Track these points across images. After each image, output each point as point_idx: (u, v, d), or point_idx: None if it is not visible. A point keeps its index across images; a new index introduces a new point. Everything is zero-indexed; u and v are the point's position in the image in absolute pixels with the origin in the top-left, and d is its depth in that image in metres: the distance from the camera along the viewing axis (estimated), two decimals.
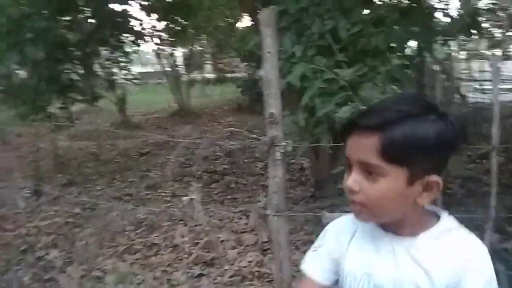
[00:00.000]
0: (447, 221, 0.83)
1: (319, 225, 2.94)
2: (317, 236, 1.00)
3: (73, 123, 7.03)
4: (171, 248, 3.40)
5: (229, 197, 4.51)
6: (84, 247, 3.52)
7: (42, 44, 4.98)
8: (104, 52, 6.82)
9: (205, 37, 10.63)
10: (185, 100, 9.95)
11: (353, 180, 0.78)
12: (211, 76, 11.92)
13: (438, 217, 0.84)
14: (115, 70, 7.36)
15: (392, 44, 2.99)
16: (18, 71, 5.75)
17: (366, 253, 0.86)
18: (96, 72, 6.75)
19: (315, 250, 0.96)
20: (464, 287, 0.78)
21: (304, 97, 2.34)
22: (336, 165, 2.78)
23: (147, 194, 4.78)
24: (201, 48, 11.46)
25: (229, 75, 11.70)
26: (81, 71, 6.07)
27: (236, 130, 6.70)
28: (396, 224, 0.83)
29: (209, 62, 13.15)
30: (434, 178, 0.77)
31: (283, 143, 1.75)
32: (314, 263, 0.95)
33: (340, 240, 0.92)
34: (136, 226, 3.88)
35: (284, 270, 1.98)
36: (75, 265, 3.23)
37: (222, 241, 3.41)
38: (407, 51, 3.34)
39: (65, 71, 5.83)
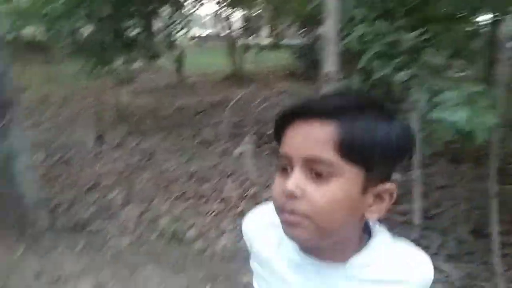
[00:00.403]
0: (380, 236, 0.69)
1: None
2: None
3: (134, 80, 7.39)
4: (220, 200, 3.60)
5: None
6: (141, 191, 3.82)
7: (108, 0, 5.21)
8: (165, 12, 7.00)
9: (263, 1, 10.53)
10: (240, 64, 10.05)
11: (294, 182, 0.60)
12: (267, 41, 11.86)
13: (368, 230, 0.70)
14: (174, 30, 7.55)
15: (461, 13, 2.85)
16: (84, 27, 6.07)
17: (278, 278, 0.72)
18: (156, 32, 6.97)
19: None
20: None
21: (362, 60, 2.33)
22: None
23: (200, 149, 5.01)
24: (259, 12, 11.39)
25: (285, 41, 11.58)
26: (142, 30, 6.29)
27: (288, 95, 6.72)
28: (327, 247, 0.66)
29: (266, 26, 13.07)
30: (388, 186, 0.63)
31: None
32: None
33: (254, 247, 0.78)
34: (188, 177, 4.12)
35: None
36: (133, 205, 3.53)
37: (267, 198, 3.56)
38: (478, 21, 3.17)
39: (128, 28, 6.09)
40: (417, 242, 2.78)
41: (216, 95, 7.72)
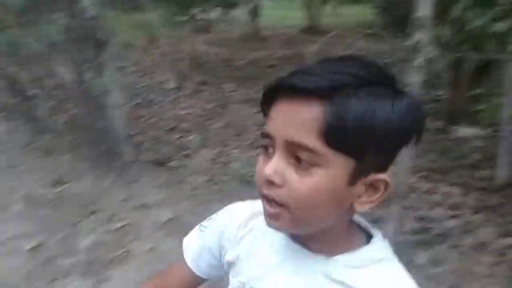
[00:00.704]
0: (379, 247, 0.61)
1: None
2: None
3: (209, 30, 7.54)
4: None
5: None
6: (216, 136, 4.02)
7: None
8: None
9: None
10: (316, 18, 9.76)
11: (274, 168, 0.53)
12: None
13: (367, 237, 0.62)
14: None
15: None
16: None
17: (259, 263, 0.66)
18: None
19: (202, 230, 0.76)
20: None
21: (456, 8, 2.18)
22: (475, 100, 2.60)
23: None
24: None
25: None
26: None
27: (366, 52, 6.46)
28: (311, 238, 0.60)
29: None
30: (382, 176, 0.55)
31: (427, 49, 1.72)
32: (194, 245, 0.76)
33: (232, 232, 0.71)
34: (259, 127, 4.23)
35: None
36: (208, 148, 3.75)
37: None
38: None
39: None
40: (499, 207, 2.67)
41: (289, 49, 7.64)
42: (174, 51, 6.75)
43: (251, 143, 3.87)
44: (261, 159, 0.57)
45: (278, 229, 0.58)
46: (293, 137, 0.51)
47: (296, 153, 0.52)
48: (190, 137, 4.00)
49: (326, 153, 0.51)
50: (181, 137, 3.97)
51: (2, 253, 2.46)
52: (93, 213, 2.85)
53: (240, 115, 4.53)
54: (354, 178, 0.53)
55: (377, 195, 0.55)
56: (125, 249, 2.47)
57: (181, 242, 0.77)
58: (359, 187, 0.54)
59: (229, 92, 5.39)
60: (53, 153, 3.69)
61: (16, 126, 4.14)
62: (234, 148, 3.77)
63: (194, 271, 0.75)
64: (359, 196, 0.55)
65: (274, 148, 0.54)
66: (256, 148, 3.76)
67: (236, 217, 0.71)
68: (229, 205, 0.75)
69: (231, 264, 0.70)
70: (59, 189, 3.17)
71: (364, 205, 0.56)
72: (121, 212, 2.84)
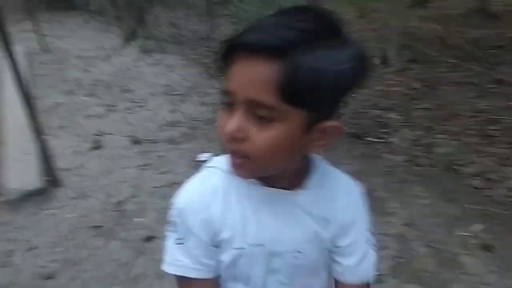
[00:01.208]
0: (323, 165, 0.75)
1: None
2: None
3: (426, 5, 6.93)
4: (508, 144, 3.18)
5: None
6: (419, 117, 3.78)
7: None
8: None
9: None
10: None
11: (237, 124, 0.58)
12: None
13: (308, 160, 0.72)
14: None
15: None
16: None
17: (252, 219, 0.69)
18: None
19: (180, 243, 0.71)
20: (356, 225, 0.75)
21: None
22: None
23: (491, 87, 4.43)
24: None
25: None
26: None
27: None
28: (277, 176, 0.67)
29: None
30: (334, 123, 0.61)
31: None
32: (191, 260, 0.70)
33: (210, 218, 0.69)
34: (472, 114, 3.77)
35: None
36: (409, 129, 3.56)
37: None
38: None
39: None
40: None
41: None
42: (384, 26, 6.51)
43: (461, 130, 3.50)
44: (224, 115, 0.61)
45: (243, 176, 0.66)
46: (252, 95, 0.56)
47: (255, 110, 0.56)
48: (392, 115, 3.87)
49: (283, 108, 0.55)
50: (382, 114, 3.88)
51: None
52: None
53: (451, 98, 4.11)
54: (308, 127, 0.59)
55: (329, 138, 0.62)
56: None
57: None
58: (313, 134, 0.60)
59: (441, 72, 4.93)
60: None
61: None
62: (440, 133, 3.48)
63: (211, 277, 0.73)
64: (314, 141, 0.62)
65: (235, 105, 0.58)
66: (467, 137, 3.39)
67: (199, 203, 0.70)
68: (178, 203, 0.71)
69: (225, 240, 0.70)
70: None
71: (318, 148, 0.64)
72: None
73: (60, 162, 3.14)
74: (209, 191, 0.70)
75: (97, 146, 3.55)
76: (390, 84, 4.62)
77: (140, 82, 5.22)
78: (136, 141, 3.63)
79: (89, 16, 9.37)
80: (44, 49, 6.47)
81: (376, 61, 5.29)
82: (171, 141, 3.67)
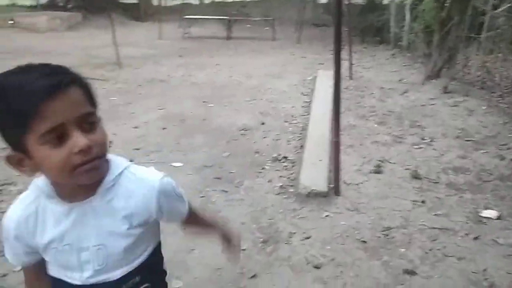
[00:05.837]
0: (118, 163, 0.92)
1: None
2: None
3: None
4: None
5: None
6: None
7: None
8: None
9: None
10: None
11: (84, 138, 0.77)
12: None
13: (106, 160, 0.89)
14: None
15: None
16: None
17: (61, 228, 0.89)
18: None
19: (7, 255, 0.98)
20: (162, 213, 0.95)
21: None
22: None
23: None
24: None
25: None
26: None
27: None
28: (73, 190, 0.86)
29: None
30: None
31: None
32: (17, 256, 0.97)
33: (27, 230, 0.91)
34: None
35: None
36: None
37: None
38: None
39: None
40: None
41: None
42: None
43: None
44: (57, 149, 0.77)
45: (100, 175, 0.87)
46: (82, 111, 0.79)
47: (85, 121, 0.79)
48: None
49: (95, 111, 0.84)
50: None
51: None
52: None
53: None
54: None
55: None
56: None
57: None
58: None
59: None
60: None
61: None
62: None
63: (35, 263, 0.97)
64: None
65: (64, 132, 0.76)
66: None
67: (19, 222, 0.91)
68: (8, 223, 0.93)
69: (45, 245, 0.91)
70: None
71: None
72: None
73: (344, 176, 3.51)
74: (26, 212, 0.91)
75: (378, 171, 3.77)
76: None
77: (432, 120, 5.14)
78: (416, 177, 3.63)
79: (398, 51, 9.89)
80: (350, 76, 7.29)
81: None
82: (453, 186, 3.48)
